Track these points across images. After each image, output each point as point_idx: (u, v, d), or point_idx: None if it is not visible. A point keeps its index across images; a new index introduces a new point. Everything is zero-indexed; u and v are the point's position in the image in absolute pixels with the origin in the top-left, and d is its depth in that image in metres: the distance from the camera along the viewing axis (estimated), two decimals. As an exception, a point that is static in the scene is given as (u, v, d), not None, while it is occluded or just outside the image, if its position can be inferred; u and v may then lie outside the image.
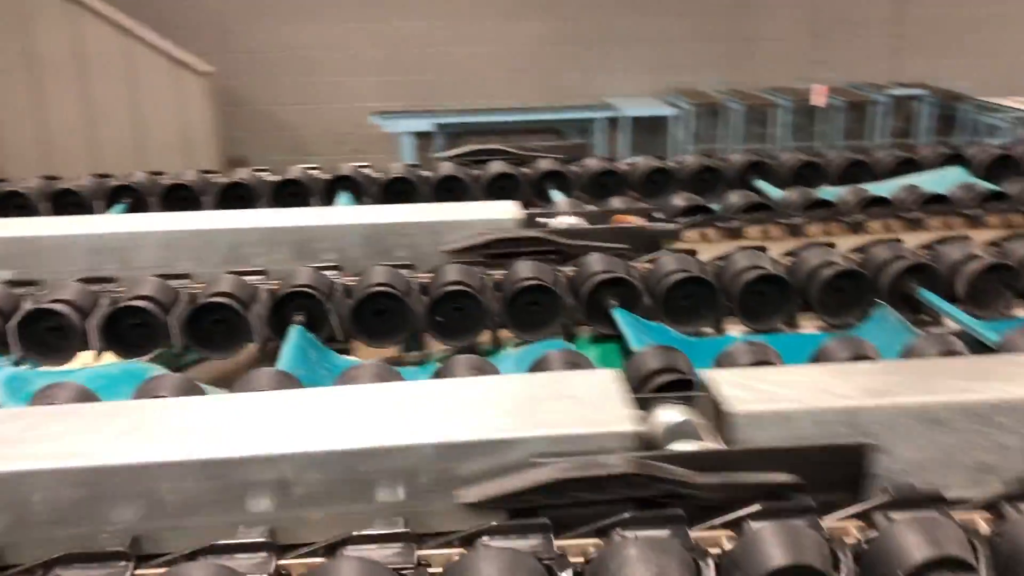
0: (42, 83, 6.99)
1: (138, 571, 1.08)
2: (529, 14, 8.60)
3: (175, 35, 7.27)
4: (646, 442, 1.22)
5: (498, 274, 1.98)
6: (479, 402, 1.28)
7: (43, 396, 1.48)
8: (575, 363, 1.56)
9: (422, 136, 8.36)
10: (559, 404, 1.25)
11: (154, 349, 1.84)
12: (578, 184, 2.82)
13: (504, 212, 2.29)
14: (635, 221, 2.28)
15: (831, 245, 2.12)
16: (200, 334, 1.84)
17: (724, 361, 1.58)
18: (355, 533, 1.09)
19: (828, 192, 2.73)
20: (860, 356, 1.58)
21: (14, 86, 6.97)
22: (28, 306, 1.81)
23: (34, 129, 7.06)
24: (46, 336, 1.81)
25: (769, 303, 1.98)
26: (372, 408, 1.29)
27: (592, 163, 2.91)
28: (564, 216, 2.29)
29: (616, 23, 8.65)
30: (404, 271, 1.97)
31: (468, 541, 1.09)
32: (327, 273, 1.95)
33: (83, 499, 1.14)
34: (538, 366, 1.55)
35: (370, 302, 1.87)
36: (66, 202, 2.63)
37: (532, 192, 2.75)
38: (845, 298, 2.00)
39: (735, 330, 1.99)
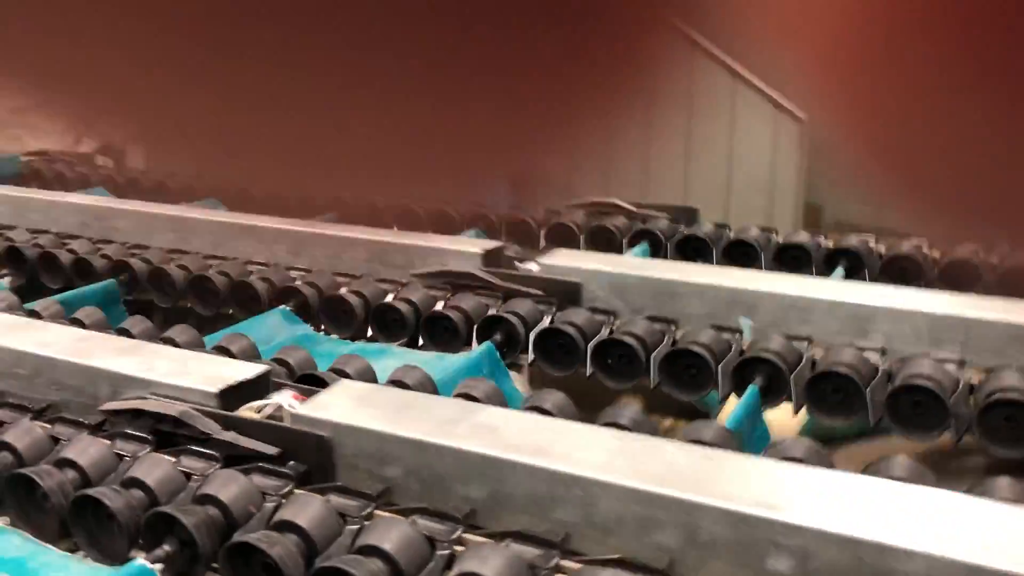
0: (652, 117, 7.80)
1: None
2: None
3: (776, 81, 7.58)
4: None
5: None
6: None
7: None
8: None
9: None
10: None
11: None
12: None
13: None
14: None
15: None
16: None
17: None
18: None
19: None
20: None
21: (629, 120, 7.88)
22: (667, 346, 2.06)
23: (639, 159, 7.93)
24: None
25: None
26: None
27: None
28: None
29: None
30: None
31: None
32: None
33: (743, 543, 1.30)
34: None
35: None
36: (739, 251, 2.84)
37: None
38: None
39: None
